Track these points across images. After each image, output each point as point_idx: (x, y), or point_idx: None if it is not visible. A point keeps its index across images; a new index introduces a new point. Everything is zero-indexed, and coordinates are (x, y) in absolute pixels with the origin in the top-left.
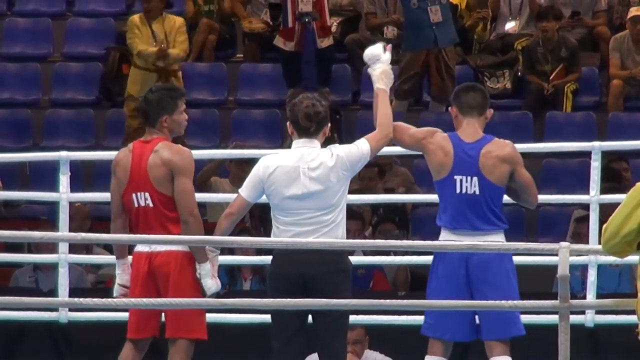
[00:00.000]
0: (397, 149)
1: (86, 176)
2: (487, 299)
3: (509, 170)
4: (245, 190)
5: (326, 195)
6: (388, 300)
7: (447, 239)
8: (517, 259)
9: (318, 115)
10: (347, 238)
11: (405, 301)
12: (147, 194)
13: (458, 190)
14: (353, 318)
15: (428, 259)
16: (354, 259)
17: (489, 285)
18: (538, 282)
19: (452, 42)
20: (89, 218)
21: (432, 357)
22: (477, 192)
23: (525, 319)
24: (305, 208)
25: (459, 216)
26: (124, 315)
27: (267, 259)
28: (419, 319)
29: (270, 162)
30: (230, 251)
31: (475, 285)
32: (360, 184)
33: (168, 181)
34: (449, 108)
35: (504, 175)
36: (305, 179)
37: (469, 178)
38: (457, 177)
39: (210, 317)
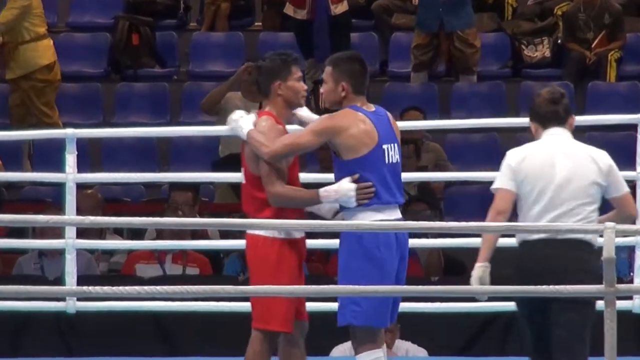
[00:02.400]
0: (427, 123)
1: (94, 155)
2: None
3: None
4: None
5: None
6: (420, 287)
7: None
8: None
9: (563, 97)
10: None
11: (439, 287)
12: (243, 171)
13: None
14: None
15: (462, 241)
16: None
17: (404, 264)
18: None
19: (464, 27)
20: (100, 207)
21: (378, 352)
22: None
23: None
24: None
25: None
26: (137, 305)
27: None
28: (453, 306)
29: (520, 152)
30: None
31: (400, 266)
32: None
33: (253, 160)
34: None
35: None
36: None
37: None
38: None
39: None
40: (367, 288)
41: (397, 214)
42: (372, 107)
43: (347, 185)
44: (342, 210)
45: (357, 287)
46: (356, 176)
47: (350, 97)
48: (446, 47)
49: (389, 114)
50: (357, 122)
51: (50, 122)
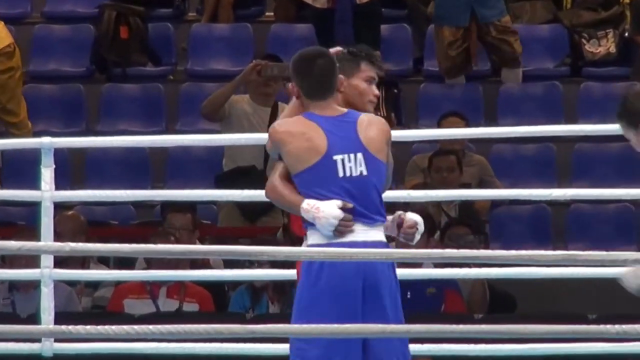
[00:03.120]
0: (469, 131)
1: (75, 169)
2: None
3: None
4: None
5: None
6: (461, 326)
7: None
8: (574, 271)
9: None
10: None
11: (484, 326)
12: None
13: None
14: (419, 348)
15: (511, 271)
16: (420, 273)
17: (380, 302)
18: (611, 301)
19: (499, 16)
20: (83, 231)
21: None
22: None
23: (615, 347)
24: None
25: None
26: (125, 347)
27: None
28: (501, 349)
29: None
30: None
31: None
32: (434, 176)
33: None
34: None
35: None
36: None
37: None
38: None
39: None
40: (307, 328)
41: (368, 234)
42: (336, 112)
43: (333, 211)
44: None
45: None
46: (350, 205)
47: (305, 102)
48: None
49: (367, 118)
50: (299, 134)
51: (17, 123)
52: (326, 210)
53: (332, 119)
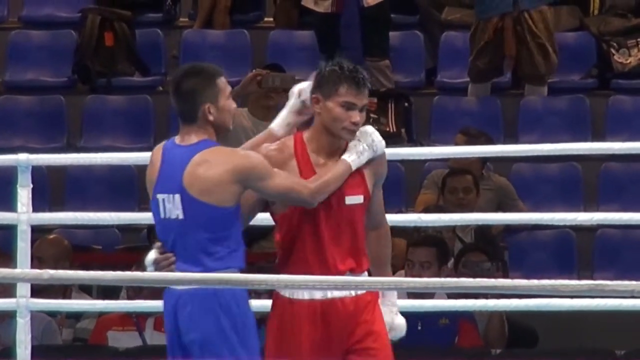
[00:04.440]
0: (486, 149)
1: (55, 189)
2: None
3: None
4: None
5: None
6: None
7: None
8: (602, 303)
9: None
10: (422, 272)
11: None
12: None
13: None
14: None
15: (532, 303)
16: (432, 304)
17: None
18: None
19: (543, 1)
20: (68, 258)
21: None
22: None
23: None
24: None
25: None
26: None
27: None
28: None
29: None
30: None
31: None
32: (449, 197)
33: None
34: None
35: None
36: None
37: None
38: None
39: None
40: None
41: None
42: (190, 141)
43: (149, 256)
44: None
45: None
46: (159, 244)
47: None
48: (511, 35)
49: (209, 154)
50: (149, 165)
51: None
52: (147, 257)
53: (180, 148)
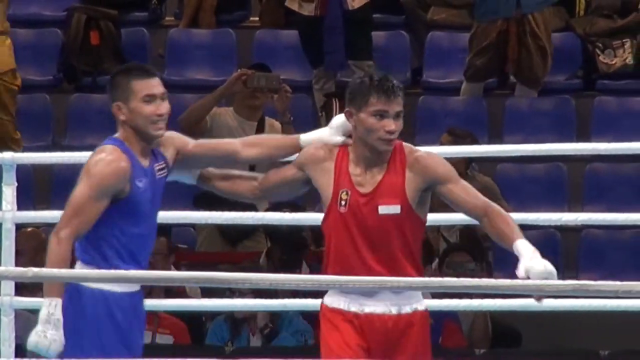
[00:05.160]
0: (471, 149)
1: (41, 187)
2: None
3: None
4: None
5: None
6: None
7: None
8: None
9: None
10: None
11: None
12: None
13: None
14: None
15: (516, 303)
16: None
17: None
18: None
19: (545, 4)
20: (45, 250)
21: None
22: None
23: None
24: None
25: None
26: None
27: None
28: None
29: None
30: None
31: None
32: (434, 198)
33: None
34: None
35: None
36: None
37: None
38: None
39: None
40: None
41: None
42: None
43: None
44: None
45: None
46: None
47: None
48: (515, 39)
49: (97, 149)
50: None
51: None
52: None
53: None
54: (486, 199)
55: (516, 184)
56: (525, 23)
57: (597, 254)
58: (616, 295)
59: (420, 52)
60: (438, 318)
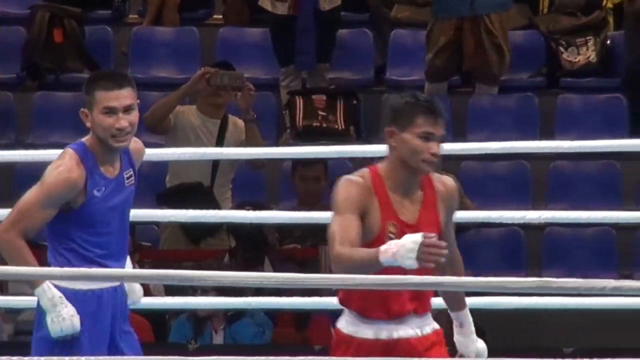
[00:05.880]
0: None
1: (3, 186)
2: None
3: None
4: None
5: None
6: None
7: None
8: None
9: None
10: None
11: None
12: None
13: None
14: None
15: (479, 301)
16: None
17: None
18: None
19: (500, 8)
20: None
21: None
22: None
23: None
24: None
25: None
26: None
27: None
28: None
29: None
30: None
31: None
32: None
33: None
34: None
35: None
36: None
37: None
38: None
39: None
40: None
41: None
42: None
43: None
44: None
45: None
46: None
47: None
48: (471, 38)
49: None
50: None
51: None
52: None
53: None
54: (455, 247)
55: (480, 182)
56: (480, 21)
57: (560, 252)
58: (578, 292)
59: (384, 50)
60: None
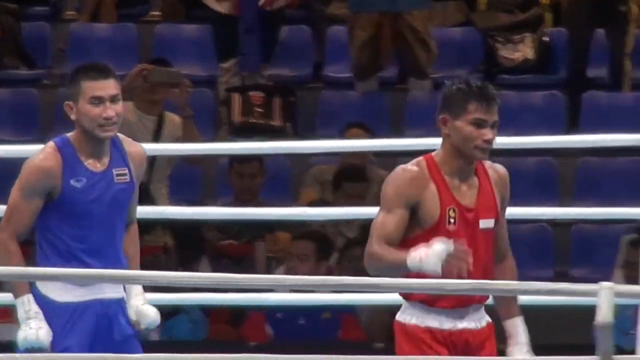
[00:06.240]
0: (370, 142)
1: None
2: None
3: None
4: None
5: None
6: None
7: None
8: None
9: None
10: (299, 265)
11: (381, 357)
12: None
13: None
14: None
15: None
16: (316, 298)
17: None
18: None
19: (421, 5)
20: None
21: None
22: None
23: None
24: None
25: None
26: None
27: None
28: None
29: None
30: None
31: None
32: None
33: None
34: None
35: None
36: None
37: None
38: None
39: None
40: None
41: None
42: None
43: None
44: None
45: None
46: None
47: None
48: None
49: None
50: None
51: None
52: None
53: None
54: (508, 244)
55: None
56: (401, 18)
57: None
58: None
59: (322, 46)
60: (337, 312)
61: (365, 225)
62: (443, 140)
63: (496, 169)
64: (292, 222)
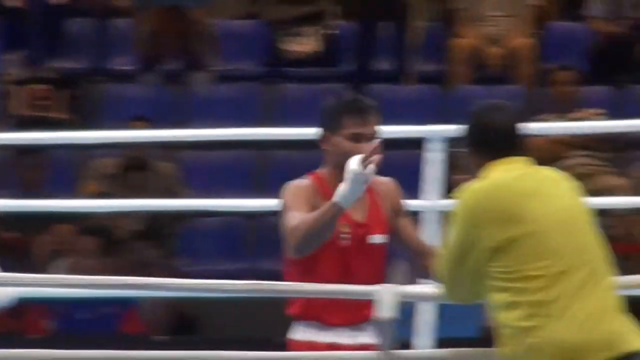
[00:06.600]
0: (150, 134)
1: None
2: None
3: None
4: None
5: None
6: (137, 352)
7: None
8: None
9: None
10: (84, 261)
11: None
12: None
13: None
14: None
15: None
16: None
17: None
18: None
19: (201, 3)
20: None
21: None
22: None
23: None
24: None
25: None
26: None
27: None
28: None
29: None
30: None
31: None
32: (117, 186)
33: None
34: None
35: None
36: None
37: None
38: None
39: None
40: None
41: None
42: None
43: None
44: None
45: None
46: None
47: None
48: (175, 32)
49: None
50: None
51: None
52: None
53: None
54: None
55: (199, 171)
56: (183, 12)
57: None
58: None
59: (104, 38)
60: (118, 305)
61: (149, 217)
62: (325, 157)
63: (382, 181)
64: (75, 214)
